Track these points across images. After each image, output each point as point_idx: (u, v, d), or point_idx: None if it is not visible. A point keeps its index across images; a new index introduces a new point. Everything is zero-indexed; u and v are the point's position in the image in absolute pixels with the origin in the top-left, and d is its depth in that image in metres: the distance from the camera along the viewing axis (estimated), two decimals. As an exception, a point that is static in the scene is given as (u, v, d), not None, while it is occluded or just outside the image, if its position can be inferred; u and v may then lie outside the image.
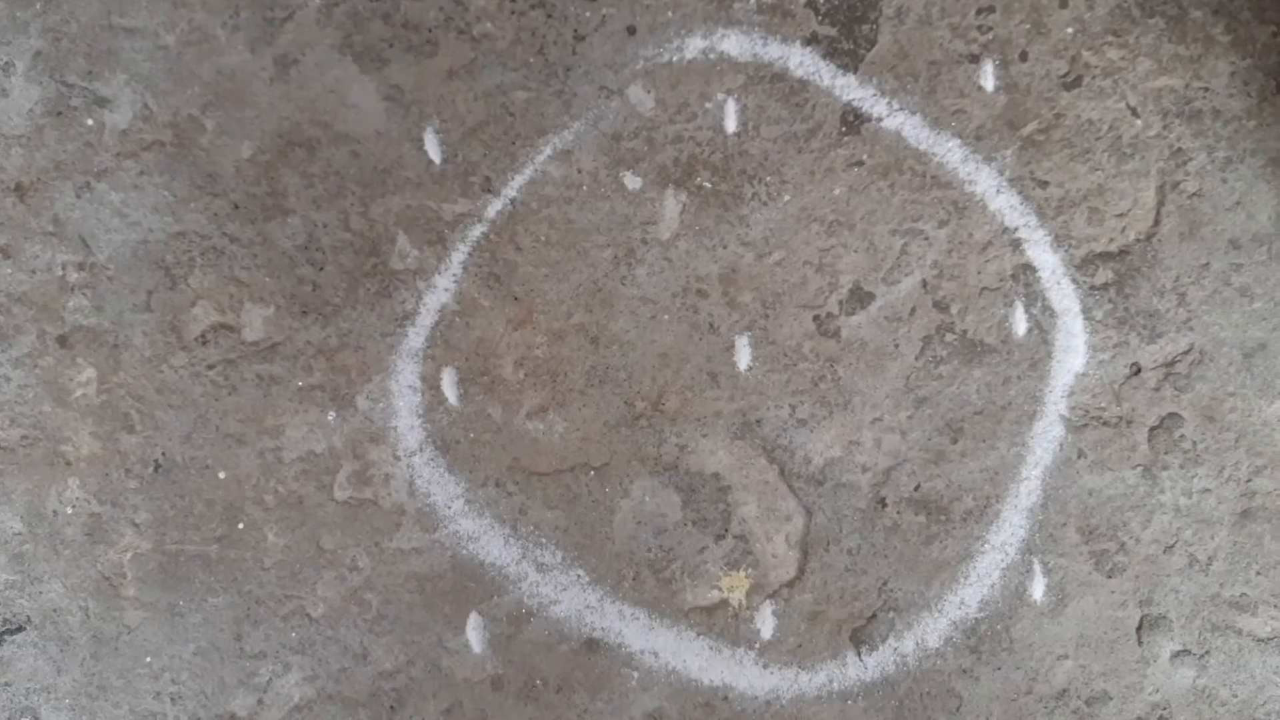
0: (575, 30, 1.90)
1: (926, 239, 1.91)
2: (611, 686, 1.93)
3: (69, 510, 1.92)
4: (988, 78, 1.90)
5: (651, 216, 1.91)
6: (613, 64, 1.90)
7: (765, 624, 1.93)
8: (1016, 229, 1.90)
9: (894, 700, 1.92)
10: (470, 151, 1.90)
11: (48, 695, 1.94)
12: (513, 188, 1.91)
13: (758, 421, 1.92)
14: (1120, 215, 1.90)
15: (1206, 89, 1.89)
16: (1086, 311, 1.90)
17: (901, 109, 1.90)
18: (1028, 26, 1.89)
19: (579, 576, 1.93)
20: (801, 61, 1.90)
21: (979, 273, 1.91)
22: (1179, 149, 1.90)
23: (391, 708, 1.93)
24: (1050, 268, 1.90)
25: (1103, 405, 1.91)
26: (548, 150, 1.90)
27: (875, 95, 1.90)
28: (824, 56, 1.90)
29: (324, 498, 1.92)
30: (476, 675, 1.93)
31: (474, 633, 1.92)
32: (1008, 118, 1.90)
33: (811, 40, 1.89)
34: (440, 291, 1.91)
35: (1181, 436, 1.91)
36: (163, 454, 1.92)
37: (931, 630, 1.92)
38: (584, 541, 1.93)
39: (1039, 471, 1.91)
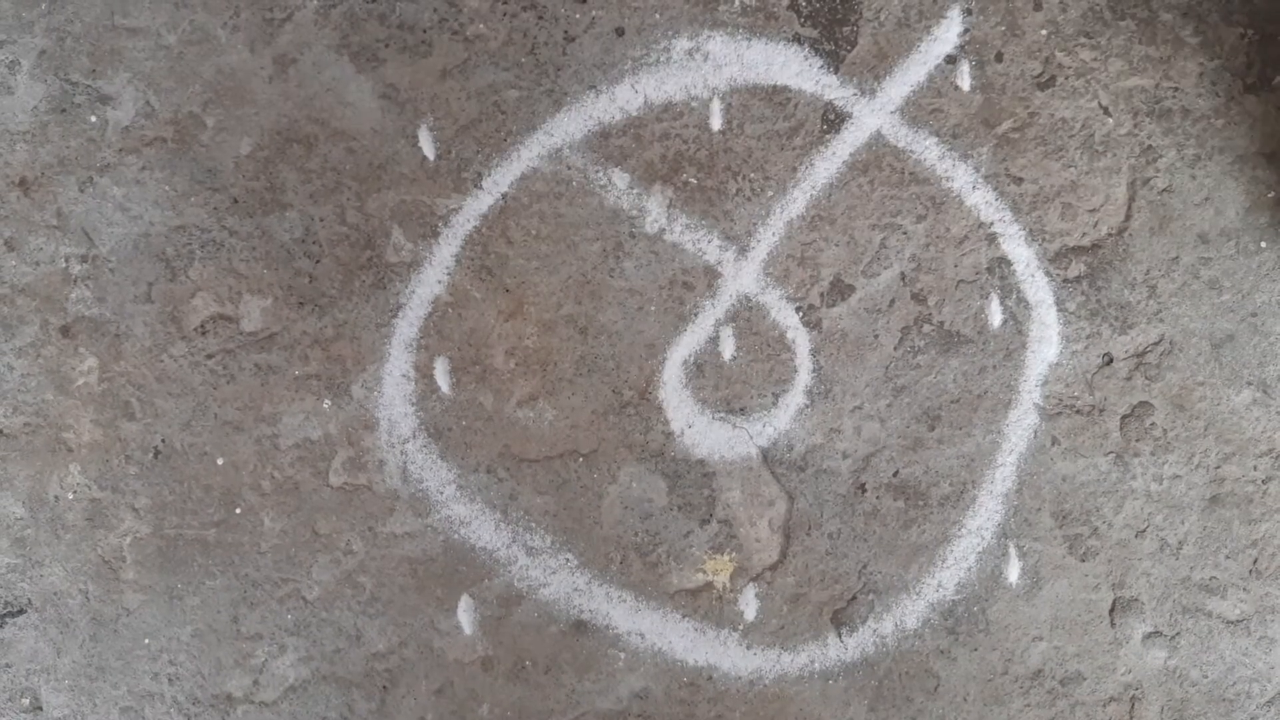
0: (565, 31, 1.95)
1: (905, 233, 1.96)
2: (599, 667, 1.97)
3: (70, 496, 1.96)
4: (964, 77, 1.95)
5: (639, 211, 1.97)
6: (601, 64, 1.95)
7: (749, 606, 1.97)
8: (992, 224, 1.95)
9: (874, 680, 1.96)
10: (463, 148, 1.95)
11: (48, 676, 1.98)
12: (504, 183, 1.96)
13: (742, 410, 1.97)
14: (1092, 210, 1.95)
15: (1176, 88, 1.95)
16: (1060, 303, 1.95)
17: (881, 108, 1.95)
18: (1003, 28, 1.95)
19: (567, 560, 1.97)
20: (784, 62, 1.96)
21: (956, 266, 1.96)
22: (1149, 146, 1.95)
23: (384, 688, 1.97)
24: (1025, 261, 1.95)
25: (1076, 394, 1.96)
26: (538, 147, 1.96)
27: (855, 94, 1.95)
28: (806, 57, 1.95)
29: (319, 483, 1.96)
30: (467, 656, 1.96)
31: (465, 615, 1.96)
32: (984, 116, 1.95)
33: (794, 41, 1.95)
34: (433, 283, 1.95)
35: (1152, 425, 1.96)
36: (162, 441, 1.96)
37: (910, 612, 1.96)
38: (573, 526, 1.97)
39: (1014, 458, 1.95)
